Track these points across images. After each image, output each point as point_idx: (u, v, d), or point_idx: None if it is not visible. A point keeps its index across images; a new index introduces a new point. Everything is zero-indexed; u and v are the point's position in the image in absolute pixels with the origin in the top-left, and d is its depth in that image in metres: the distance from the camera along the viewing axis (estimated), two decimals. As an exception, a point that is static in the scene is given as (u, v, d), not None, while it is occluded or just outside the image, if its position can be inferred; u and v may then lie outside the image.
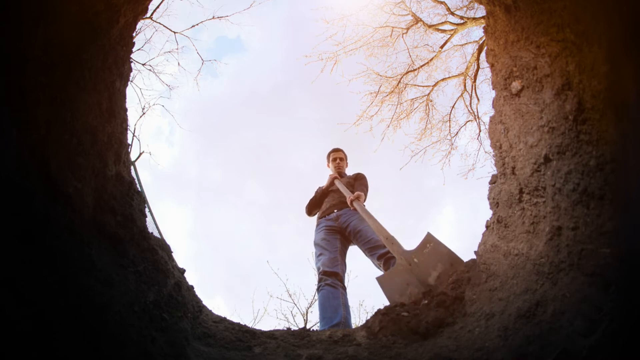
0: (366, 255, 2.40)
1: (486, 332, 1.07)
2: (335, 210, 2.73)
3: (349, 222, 2.57)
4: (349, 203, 2.55)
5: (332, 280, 2.27)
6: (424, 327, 1.25)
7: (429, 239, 1.80)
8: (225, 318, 1.54)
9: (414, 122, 7.76)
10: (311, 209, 3.09)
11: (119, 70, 1.32)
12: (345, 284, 2.39)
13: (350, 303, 2.27)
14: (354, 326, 2.29)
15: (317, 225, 2.77)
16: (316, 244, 2.61)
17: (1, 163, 0.83)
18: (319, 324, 2.15)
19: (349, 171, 3.34)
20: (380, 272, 2.27)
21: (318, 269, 2.41)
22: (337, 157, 3.33)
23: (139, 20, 1.44)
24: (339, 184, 3.04)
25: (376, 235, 2.31)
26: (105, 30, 1.20)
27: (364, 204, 2.58)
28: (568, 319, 0.83)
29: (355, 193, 2.57)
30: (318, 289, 2.29)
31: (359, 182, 2.96)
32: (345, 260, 2.54)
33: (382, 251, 2.25)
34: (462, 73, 7.40)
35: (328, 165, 3.42)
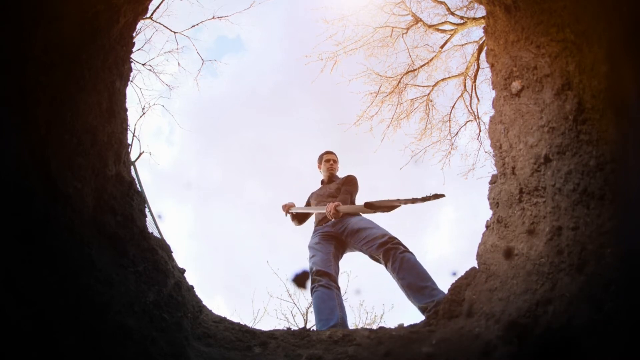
0: (365, 251, 2.34)
1: (486, 332, 1.07)
2: (332, 219, 2.66)
3: (346, 225, 2.54)
4: (330, 217, 2.49)
5: (325, 281, 2.22)
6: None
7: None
8: (225, 318, 1.54)
9: (414, 122, 7.76)
10: (299, 221, 3.07)
11: (119, 70, 1.32)
12: (340, 285, 2.34)
13: (350, 303, 2.25)
14: (352, 326, 2.27)
15: (314, 232, 2.74)
16: (310, 247, 2.58)
17: (1, 163, 0.83)
18: (315, 327, 2.13)
19: (340, 175, 3.31)
20: (380, 266, 2.27)
21: (310, 269, 2.37)
22: (330, 159, 3.24)
23: (139, 20, 1.44)
24: (300, 210, 2.97)
25: (376, 231, 2.29)
26: (105, 30, 1.20)
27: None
28: (568, 319, 0.83)
29: (333, 204, 2.51)
30: (312, 291, 2.24)
31: (344, 188, 2.89)
32: (339, 265, 2.50)
33: (381, 240, 2.19)
34: (462, 73, 7.40)
35: (319, 167, 3.32)
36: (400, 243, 2.17)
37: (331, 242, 2.53)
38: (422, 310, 1.82)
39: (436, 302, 1.75)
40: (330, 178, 3.16)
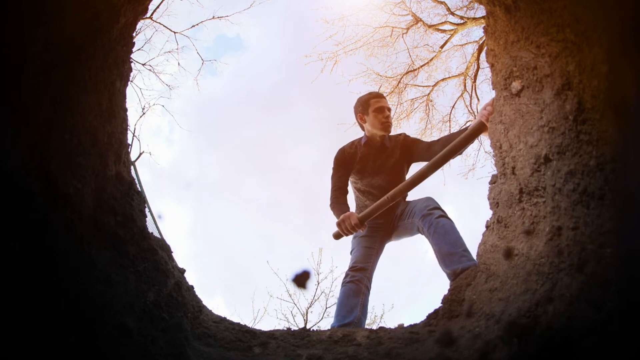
0: (410, 226, 2.09)
1: (486, 332, 1.07)
2: (382, 219, 2.23)
3: (395, 212, 2.21)
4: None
5: (358, 277, 2.09)
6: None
7: None
8: (225, 318, 1.54)
9: (414, 122, 7.78)
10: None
11: (119, 70, 1.32)
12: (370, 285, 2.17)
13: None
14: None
15: None
16: (355, 237, 2.27)
17: (1, 163, 0.83)
18: (333, 320, 2.06)
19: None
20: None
21: (350, 262, 2.22)
22: (386, 107, 2.17)
23: (139, 20, 1.44)
24: (371, 212, 1.94)
25: (419, 202, 2.08)
26: (105, 31, 1.20)
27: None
28: (568, 319, 0.83)
29: (487, 110, 1.62)
30: (342, 284, 2.14)
31: (418, 144, 2.16)
32: (377, 261, 2.26)
33: (421, 207, 2.00)
34: (462, 73, 7.41)
35: (362, 119, 2.21)
36: (437, 208, 1.99)
37: (379, 232, 2.23)
38: (449, 276, 1.71)
39: (461, 269, 1.63)
40: (383, 139, 2.21)
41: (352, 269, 2.15)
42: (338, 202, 2.17)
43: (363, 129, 2.30)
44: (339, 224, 2.02)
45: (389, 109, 2.22)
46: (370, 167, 2.24)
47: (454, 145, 1.75)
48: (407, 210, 2.15)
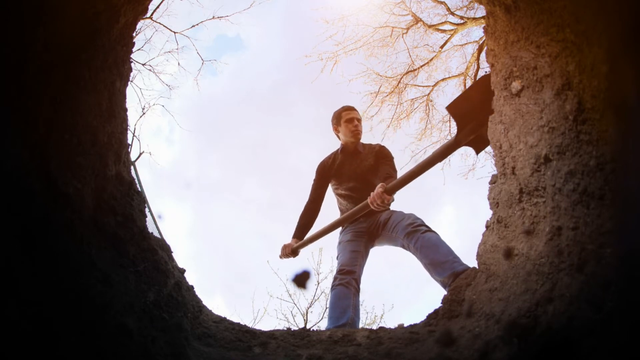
0: (394, 239, 2.17)
1: (486, 332, 1.07)
2: (365, 222, 2.37)
3: (379, 219, 2.31)
4: (382, 208, 1.99)
5: (347, 280, 2.14)
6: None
7: None
8: (225, 318, 1.54)
9: (414, 122, 7.79)
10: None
11: (119, 70, 1.32)
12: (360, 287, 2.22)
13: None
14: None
15: (345, 228, 2.45)
16: (340, 244, 2.39)
17: (1, 163, 0.83)
18: (327, 322, 2.11)
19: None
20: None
21: (337, 266, 2.28)
22: (356, 118, 2.42)
23: (139, 20, 1.45)
24: (312, 238, 2.31)
25: (403, 219, 2.15)
26: (106, 31, 1.20)
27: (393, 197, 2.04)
28: (568, 319, 0.83)
29: (377, 192, 1.92)
30: (332, 287, 2.19)
31: (390, 166, 2.30)
32: (364, 264, 2.34)
33: (405, 224, 2.04)
34: (462, 73, 7.41)
35: (336, 129, 2.50)
36: (422, 224, 2.07)
37: (363, 237, 2.34)
38: (443, 284, 1.75)
39: (455, 274, 1.66)
40: (355, 145, 2.45)
41: (340, 272, 2.20)
42: (301, 218, 2.48)
43: (339, 138, 2.56)
44: (281, 249, 2.40)
45: (359, 120, 2.46)
46: (347, 172, 2.46)
47: (353, 211, 2.17)
48: (390, 222, 2.23)
